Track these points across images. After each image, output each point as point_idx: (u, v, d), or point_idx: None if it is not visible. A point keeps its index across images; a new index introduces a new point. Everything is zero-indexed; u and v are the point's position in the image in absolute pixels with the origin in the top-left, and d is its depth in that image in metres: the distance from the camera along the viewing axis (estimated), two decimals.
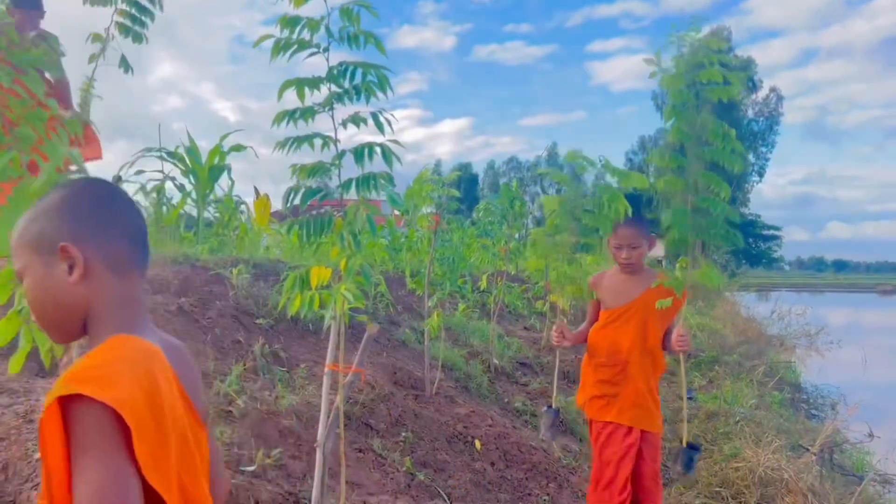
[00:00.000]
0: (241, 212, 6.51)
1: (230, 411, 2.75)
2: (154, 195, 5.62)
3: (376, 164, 2.36)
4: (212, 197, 5.88)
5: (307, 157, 2.56)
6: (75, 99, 3.73)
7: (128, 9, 3.39)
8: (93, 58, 3.52)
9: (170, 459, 0.95)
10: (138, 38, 3.46)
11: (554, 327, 3.25)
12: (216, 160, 5.60)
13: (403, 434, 3.42)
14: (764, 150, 48.86)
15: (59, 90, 3.74)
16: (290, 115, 2.42)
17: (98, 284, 1.07)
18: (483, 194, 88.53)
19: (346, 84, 2.33)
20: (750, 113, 48.88)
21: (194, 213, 5.82)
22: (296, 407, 3.03)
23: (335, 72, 2.31)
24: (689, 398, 8.67)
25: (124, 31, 3.41)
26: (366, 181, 2.30)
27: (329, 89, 2.38)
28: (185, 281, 3.90)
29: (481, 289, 6.59)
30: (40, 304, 1.08)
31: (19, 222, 1.11)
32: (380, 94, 2.34)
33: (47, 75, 3.65)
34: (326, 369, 2.47)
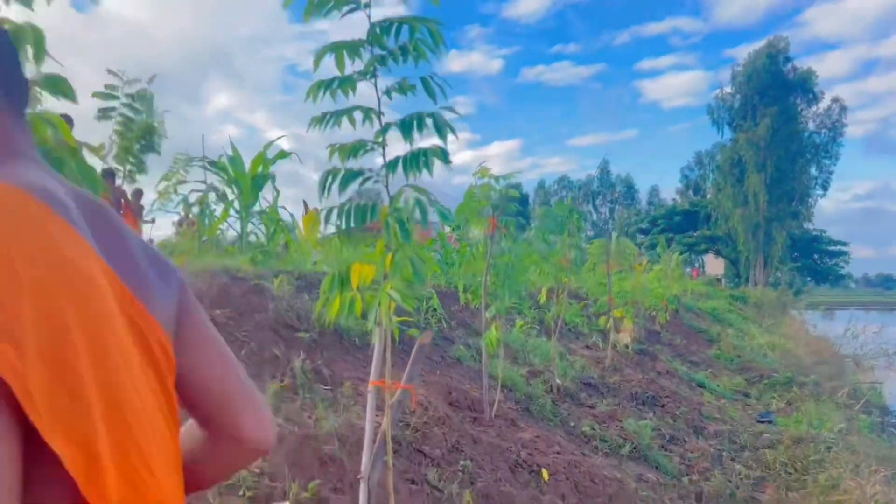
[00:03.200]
0: (290, 229, 6.24)
1: None
2: (197, 206, 5.39)
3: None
4: (256, 208, 5.61)
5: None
6: None
7: None
8: None
9: (87, 406, 0.55)
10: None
11: None
12: (259, 169, 5.34)
13: (462, 462, 2.99)
14: (827, 162, 46.86)
15: None
16: (328, 84, 2.06)
17: None
18: (534, 215, 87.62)
19: (392, 44, 1.97)
20: (811, 125, 47.06)
21: (238, 227, 5.56)
22: (339, 430, 2.64)
23: (378, 29, 1.95)
24: (769, 421, 7.98)
25: None
26: (415, 159, 1.91)
27: (371, 53, 2.02)
28: (222, 291, 3.58)
29: (541, 303, 6.13)
30: None
31: None
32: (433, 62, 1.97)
33: None
34: (370, 386, 2.07)
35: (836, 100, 47.62)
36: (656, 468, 4.91)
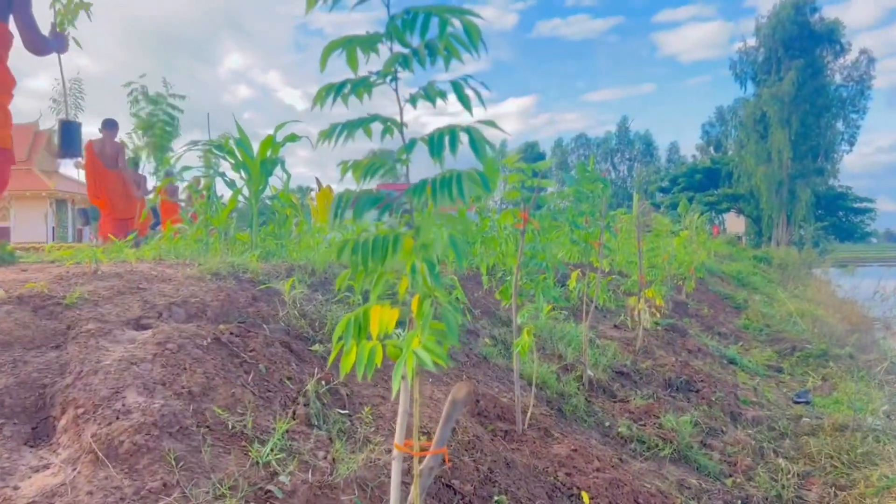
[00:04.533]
0: (303, 205, 5.89)
1: (270, 492, 2.07)
2: (204, 193, 5.05)
3: (461, 158, 1.61)
4: (267, 193, 5.26)
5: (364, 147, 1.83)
6: None
7: None
8: None
9: None
10: None
11: None
12: (269, 153, 4.96)
13: (496, 498, 2.68)
14: (854, 116, 45.55)
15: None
16: (338, 89, 1.68)
17: None
18: (552, 173, 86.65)
19: (416, 40, 1.58)
20: (837, 78, 45.59)
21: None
22: (358, 474, 2.33)
23: (399, 22, 1.56)
24: (806, 402, 7.62)
25: None
26: (446, 184, 1.54)
27: (391, 50, 1.63)
28: (227, 301, 3.25)
29: (570, 288, 5.77)
30: None
31: None
32: (465, 56, 1.59)
33: None
34: (395, 452, 1.74)
35: (864, 51, 46.13)
36: (697, 469, 4.60)
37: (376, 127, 1.72)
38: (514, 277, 3.60)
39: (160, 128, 5.76)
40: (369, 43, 1.66)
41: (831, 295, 21.08)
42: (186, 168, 4.99)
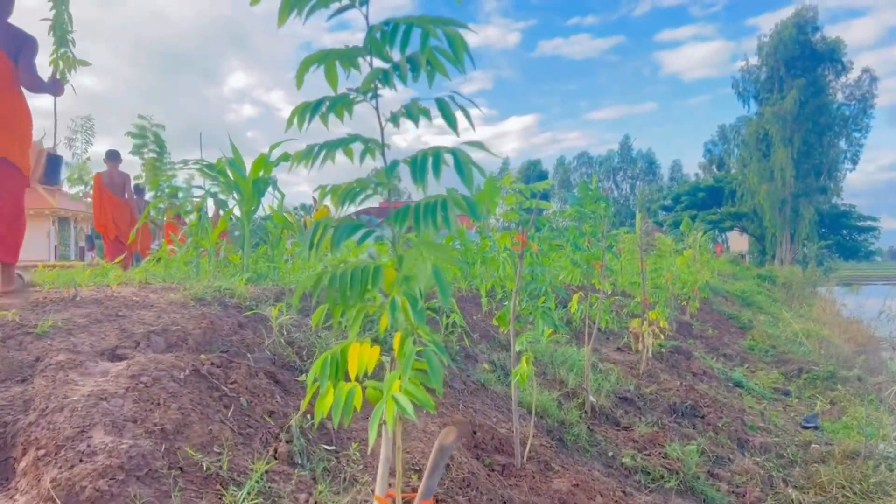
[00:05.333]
0: (304, 226, 5.76)
1: None
2: (194, 214, 4.92)
3: (444, 180, 1.47)
4: (259, 213, 5.13)
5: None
6: None
7: None
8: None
9: None
10: None
11: None
12: (261, 172, 4.83)
13: None
14: (857, 135, 45.48)
15: None
16: (314, 108, 1.54)
17: None
18: (554, 192, 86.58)
19: (396, 54, 1.44)
20: (839, 97, 45.60)
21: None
22: None
23: (378, 34, 1.42)
24: (815, 427, 7.42)
25: None
26: (431, 211, 1.40)
27: (370, 65, 1.50)
28: (210, 329, 3.10)
29: (572, 311, 5.60)
30: None
31: None
32: (451, 71, 1.45)
33: None
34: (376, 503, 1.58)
35: (866, 70, 46.18)
36: (704, 501, 4.41)
37: (358, 147, 1.58)
38: (511, 302, 3.45)
39: (151, 150, 5.98)
40: (348, 57, 1.52)
41: (836, 315, 20.85)
42: (175, 189, 4.86)
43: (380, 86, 1.47)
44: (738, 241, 50.73)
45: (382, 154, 1.54)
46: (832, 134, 43.78)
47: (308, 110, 1.55)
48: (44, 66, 4.70)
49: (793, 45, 43.42)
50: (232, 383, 2.69)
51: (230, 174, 4.85)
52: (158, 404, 2.32)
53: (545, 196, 3.58)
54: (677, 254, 11.35)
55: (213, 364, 2.76)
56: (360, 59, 1.52)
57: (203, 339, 2.99)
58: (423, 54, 1.38)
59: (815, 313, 20.61)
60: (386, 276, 1.50)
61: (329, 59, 1.52)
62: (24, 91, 4.22)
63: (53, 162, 4.78)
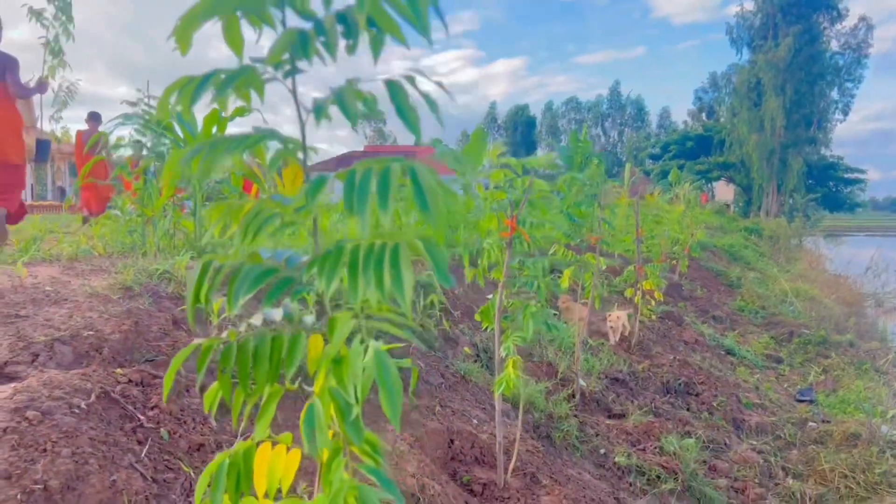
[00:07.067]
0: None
1: None
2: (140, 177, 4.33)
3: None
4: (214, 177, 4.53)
5: None
6: None
7: None
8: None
9: None
10: None
11: None
12: (214, 129, 4.23)
13: None
14: (849, 85, 44.81)
15: None
16: (200, 84, 0.98)
17: None
18: (541, 137, 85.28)
19: (323, 9, 0.90)
20: (834, 45, 44.69)
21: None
22: None
23: None
24: (809, 400, 7.10)
25: None
26: (372, 262, 0.87)
27: (283, 23, 0.95)
28: (133, 332, 2.57)
29: (563, 287, 5.13)
30: None
31: None
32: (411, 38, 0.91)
33: None
34: None
35: (863, 18, 45.20)
36: (702, 502, 4.04)
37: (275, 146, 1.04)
38: (497, 296, 2.95)
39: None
40: (255, 6, 0.96)
41: (824, 271, 20.69)
42: (118, 145, 4.26)
43: (298, 59, 0.93)
44: (724, 191, 50.36)
45: (304, 154, 1.00)
46: (824, 83, 43.06)
47: (191, 88, 0.99)
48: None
49: None
50: (153, 408, 2.19)
51: (179, 130, 4.25)
52: (45, 451, 1.82)
53: (523, 109, 3.01)
54: (667, 213, 10.90)
55: (130, 382, 2.25)
56: (274, 13, 0.96)
57: (123, 346, 2.47)
58: (363, 10, 0.83)
59: (802, 269, 20.42)
60: (310, 350, 0.99)
61: (227, 9, 0.96)
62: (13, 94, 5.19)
63: (43, 145, 5.86)
